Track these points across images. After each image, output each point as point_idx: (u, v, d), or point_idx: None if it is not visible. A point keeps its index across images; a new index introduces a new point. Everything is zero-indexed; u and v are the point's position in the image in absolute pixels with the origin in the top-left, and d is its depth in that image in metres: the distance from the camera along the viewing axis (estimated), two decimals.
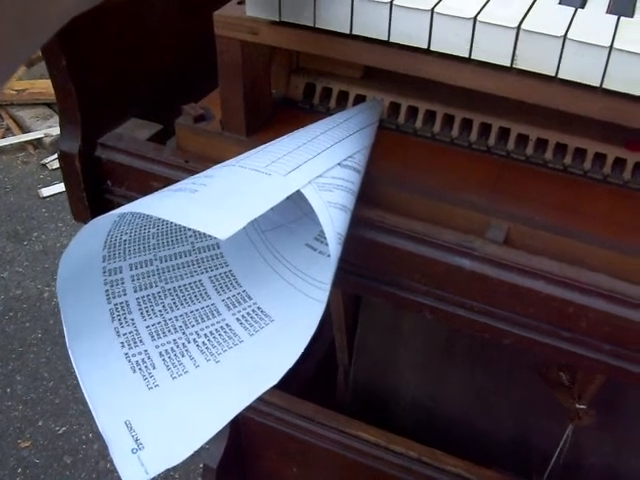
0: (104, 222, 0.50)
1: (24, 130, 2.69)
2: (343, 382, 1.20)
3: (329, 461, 1.02)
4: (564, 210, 0.59)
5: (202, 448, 0.48)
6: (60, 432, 1.61)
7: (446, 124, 0.66)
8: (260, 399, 0.49)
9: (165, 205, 0.47)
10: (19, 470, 1.53)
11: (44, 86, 2.71)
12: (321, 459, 1.03)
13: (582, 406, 0.87)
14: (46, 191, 2.36)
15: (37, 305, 1.94)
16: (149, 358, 0.52)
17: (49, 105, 2.75)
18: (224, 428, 0.48)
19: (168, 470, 0.47)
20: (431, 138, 0.66)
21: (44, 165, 2.51)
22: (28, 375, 1.74)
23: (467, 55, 0.54)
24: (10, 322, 1.88)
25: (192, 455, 0.47)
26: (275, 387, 0.49)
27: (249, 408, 0.49)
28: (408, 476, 0.96)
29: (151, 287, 0.55)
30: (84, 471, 1.53)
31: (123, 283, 0.53)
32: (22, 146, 2.62)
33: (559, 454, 0.98)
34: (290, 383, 1.09)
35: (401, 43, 0.56)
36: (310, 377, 1.17)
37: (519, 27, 0.51)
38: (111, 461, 0.47)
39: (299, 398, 1.02)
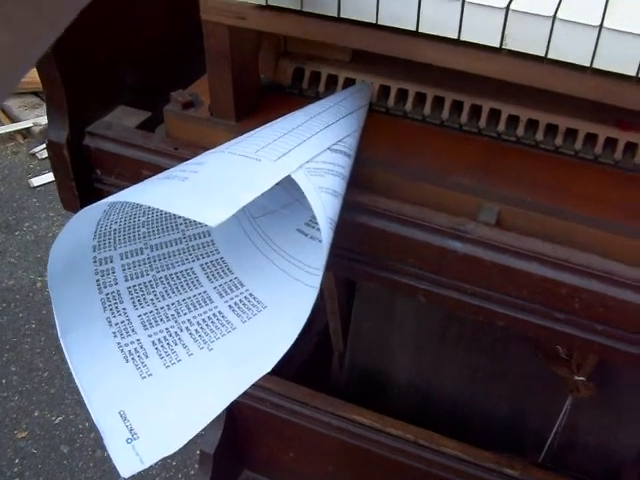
0: (93, 212, 0.49)
1: (12, 119, 2.66)
2: (338, 367, 1.20)
3: (325, 445, 1.02)
4: (555, 191, 0.59)
5: (198, 435, 0.48)
6: (56, 422, 1.61)
7: (436, 106, 0.66)
8: (255, 385, 0.49)
9: (155, 193, 0.46)
10: (16, 460, 1.53)
11: (31, 75, 2.66)
12: (317, 443, 1.03)
13: (581, 378, 0.87)
14: (36, 181, 2.35)
15: (30, 295, 1.93)
16: (142, 347, 0.51)
17: (37, 94, 2.72)
18: (220, 414, 0.48)
19: (165, 458, 0.47)
20: (421, 120, 0.66)
21: (33, 155, 2.49)
22: (23, 366, 1.74)
23: (456, 37, 0.53)
24: (3, 313, 1.87)
25: (189, 442, 0.47)
26: (270, 372, 0.48)
27: (244, 394, 0.49)
28: (404, 459, 0.96)
29: (142, 276, 0.54)
30: (81, 460, 1.53)
31: (114, 272, 0.53)
32: (11, 136, 2.59)
33: (556, 431, 0.98)
34: (285, 368, 1.10)
35: (390, 25, 0.55)
36: (305, 362, 1.17)
37: (508, 7, 0.51)
38: None
39: (294, 383, 1.02)
